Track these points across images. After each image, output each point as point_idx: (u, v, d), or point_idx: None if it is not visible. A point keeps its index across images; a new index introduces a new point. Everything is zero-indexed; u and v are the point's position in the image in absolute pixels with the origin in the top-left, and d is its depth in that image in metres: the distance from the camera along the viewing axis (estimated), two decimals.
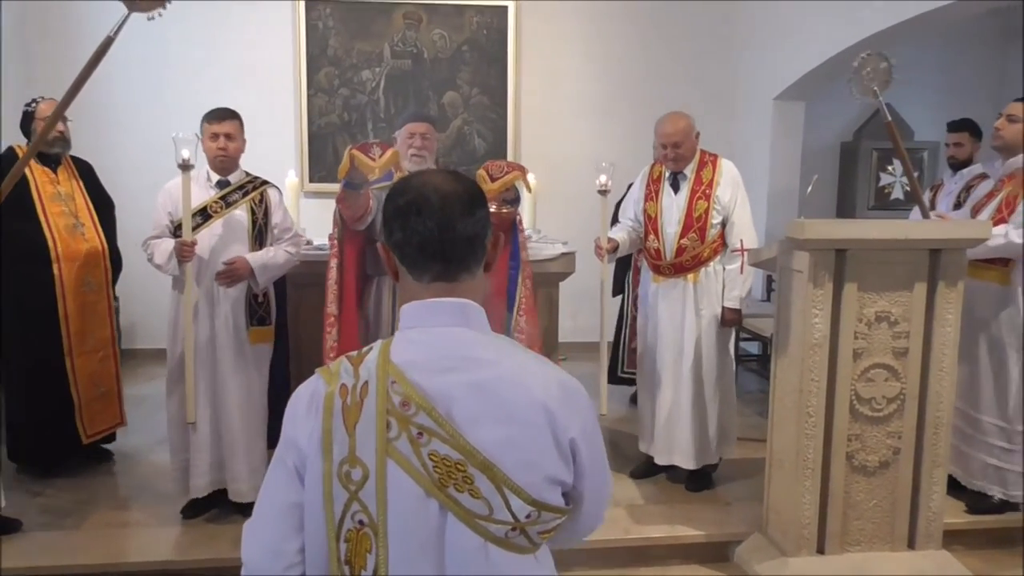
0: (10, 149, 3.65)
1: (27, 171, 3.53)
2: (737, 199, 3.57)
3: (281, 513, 1.25)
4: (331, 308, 3.18)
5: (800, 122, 5.93)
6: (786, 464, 3.09)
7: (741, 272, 3.55)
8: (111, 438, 3.96)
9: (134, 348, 5.98)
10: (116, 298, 5.54)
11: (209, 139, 3.26)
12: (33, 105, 3.62)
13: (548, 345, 4.07)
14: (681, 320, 3.65)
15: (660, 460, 3.73)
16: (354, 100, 6.06)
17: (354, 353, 1.30)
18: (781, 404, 3.14)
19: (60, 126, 3.58)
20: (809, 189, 3.80)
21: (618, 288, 5.00)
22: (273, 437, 3.52)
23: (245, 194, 3.33)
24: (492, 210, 3.37)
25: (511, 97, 6.17)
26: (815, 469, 3.01)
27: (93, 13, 5.51)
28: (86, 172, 3.82)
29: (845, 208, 6.52)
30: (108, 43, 3.02)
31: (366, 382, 1.22)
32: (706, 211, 3.56)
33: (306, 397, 1.26)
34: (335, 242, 3.24)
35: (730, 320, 3.63)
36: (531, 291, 3.41)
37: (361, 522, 1.19)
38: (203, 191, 3.29)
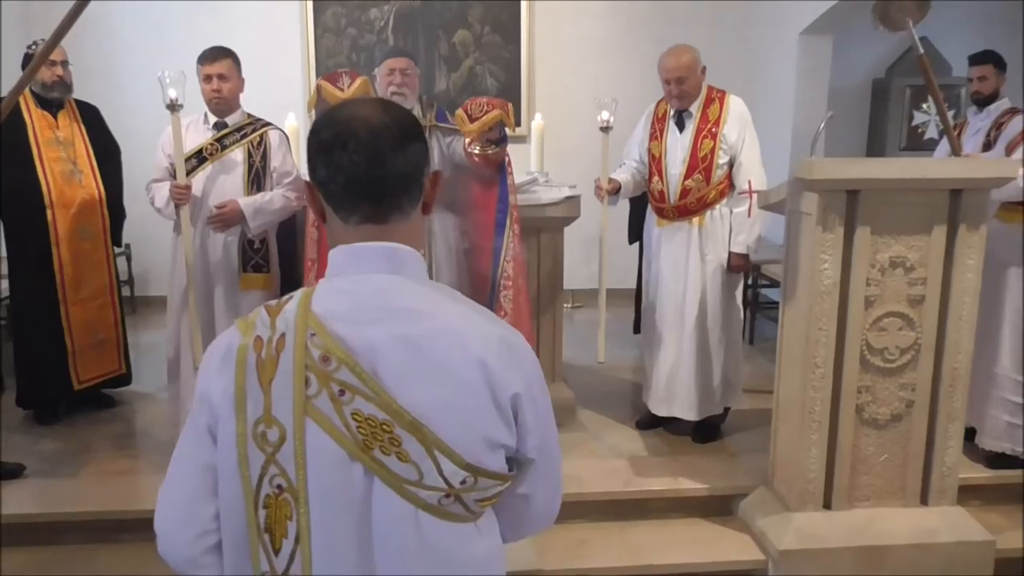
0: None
1: (25, 115, 3.47)
2: (745, 138, 3.37)
3: (193, 476, 1.16)
4: (309, 252, 3.08)
5: (828, 58, 5.62)
6: (792, 416, 2.96)
7: (749, 215, 3.37)
8: (122, 382, 3.93)
9: (147, 295, 5.97)
10: (127, 245, 5.56)
11: (203, 81, 3.16)
12: (33, 47, 3.52)
13: (552, 292, 3.95)
14: (685, 266, 3.49)
15: (659, 411, 3.62)
16: (362, 40, 5.88)
17: (273, 302, 1.19)
18: (788, 354, 3.00)
19: (59, 70, 3.49)
20: (821, 126, 3.59)
21: (637, 234, 4.82)
22: None
23: (243, 136, 3.23)
24: (476, 152, 3.24)
25: (524, 35, 5.94)
26: (822, 422, 2.88)
27: None
28: (91, 117, 3.73)
29: (875, 148, 6.24)
30: (81, 7, 2.88)
31: (283, 334, 1.12)
32: (712, 150, 3.38)
33: (221, 350, 1.16)
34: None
35: (736, 266, 3.46)
36: (519, 237, 3.27)
37: (280, 487, 1.10)
38: (200, 133, 3.21)
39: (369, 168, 1.13)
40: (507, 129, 3.15)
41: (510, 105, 3.15)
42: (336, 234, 1.19)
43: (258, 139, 3.23)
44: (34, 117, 3.48)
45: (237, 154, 3.20)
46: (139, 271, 5.92)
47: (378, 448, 1.07)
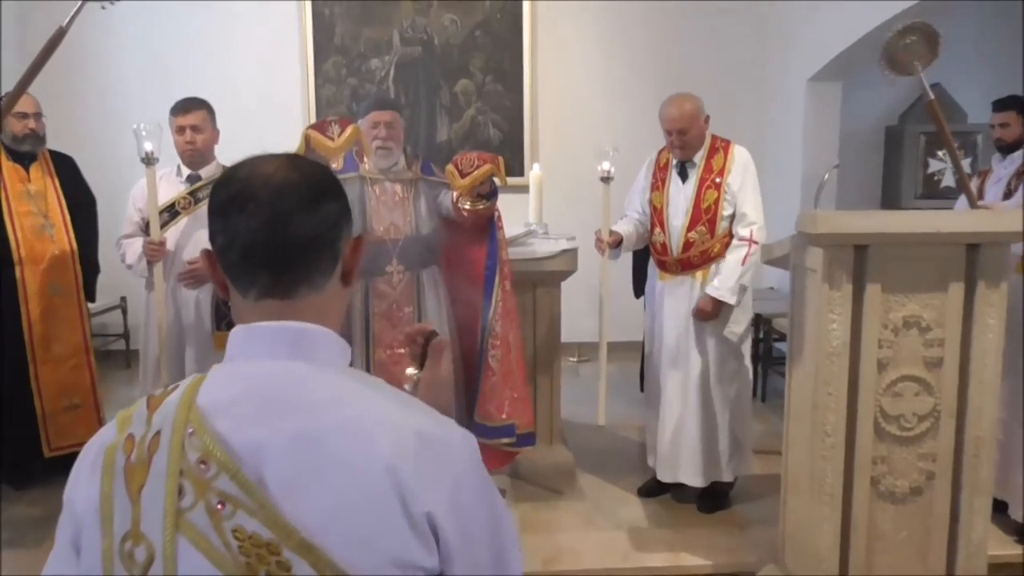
0: None
1: None
2: (746, 185, 3.19)
3: None
4: None
5: (837, 105, 5.47)
6: (802, 488, 2.73)
7: (743, 264, 3.17)
8: None
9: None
10: (122, 298, 5.45)
11: (176, 132, 3.05)
12: (3, 98, 3.44)
13: (549, 350, 3.76)
14: (687, 322, 3.30)
15: (664, 477, 3.39)
16: (363, 90, 5.80)
17: (159, 390, 1.01)
18: (796, 420, 2.78)
19: (32, 122, 3.40)
20: (825, 177, 3.41)
21: (642, 288, 4.63)
22: None
23: None
24: (466, 207, 3.09)
25: (527, 84, 5.85)
26: (834, 495, 2.64)
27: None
28: (65, 168, 3.62)
29: (890, 197, 6.04)
30: (60, 35, 2.81)
31: (159, 432, 0.94)
32: (716, 201, 3.21)
33: (93, 449, 0.98)
34: None
35: (702, 311, 3.23)
36: (510, 293, 3.11)
37: None
38: (173, 186, 3.10)
39: (269, 234, 0.96)
40: (498, 183, 3.01)
41: (501, 159, 3.02)
42: (238, 310, 1.02)
43: None
44: (4, 170, 3.38)
45: None
46: (135, 323, 5.80)
47: (264, 573, 0.88)
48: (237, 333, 1.00)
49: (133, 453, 0.93)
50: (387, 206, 3.09)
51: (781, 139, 5.66)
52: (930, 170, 5.97)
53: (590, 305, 5.48)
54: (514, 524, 1.19)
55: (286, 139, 5.71)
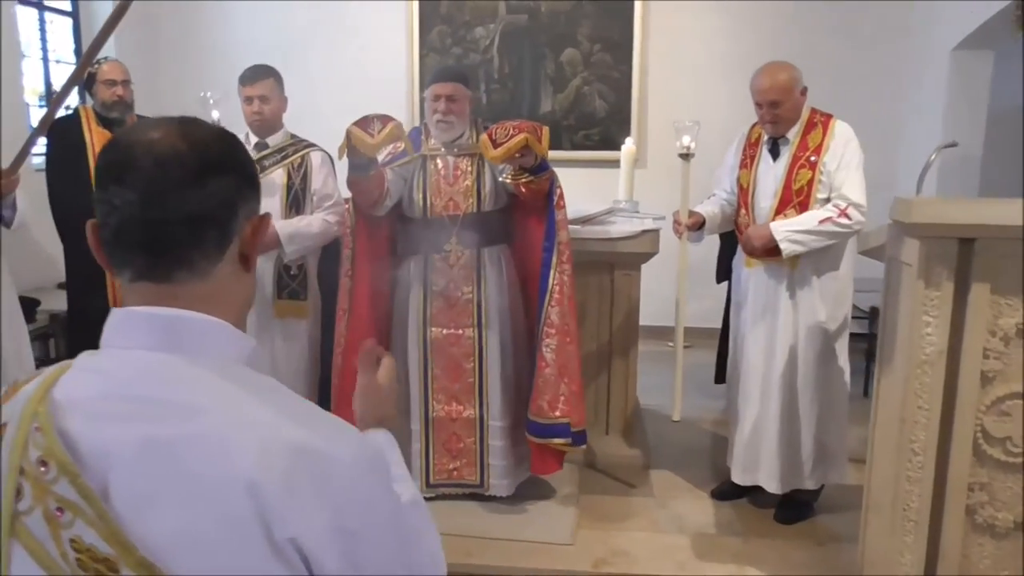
0: (76, 111, 3.62)
1: (86, 134, 3.48)
2: (846, 164, 2.83)
3: None
4: (341, 300, 2.89)
5: (986, 77, 4.86)
6: (883, 510, 2.42)
7: (819, 223, 2.81)
8: None
9: None
10: None
11: (244, 102, 3.05)
12: (96, 66, 3.55)
13: (625, 337, 3.55)
14: (774, 314, 3.00)
15: (738, 479, 3.13)
16: (467, 60, 5.70)
17: (23, 378, 0.93)
18: (882, 434, 2.47)
19: (120, 89, 3.49)
20: (932, 156, 2.98)
21: (726, 273, 4.33)
22: None
23: (284, 157, 3.09)
24: (507, 179, 2.92)
25: (636, 53, 5.56)
26: (919, 522, 2.31)
27: None
28: None
29: None
30: (126, 6, 2.82)
31: (5, 425, 0.85)
32: (809, 182, 2.87)
33: None
34: (347, 231, 2.93)
35: (748, 238, 2.94)
36: (570, 278, 2.92)
37: None
38: None
39: (143, 209, 0.86)
40: (541, 156, 2.82)
41: (544, 129, 2.82)
42: (122, 292, 0.93)
43: (299, 160, 3.09)
44: (94, 136, 3.48)
45: (277, 175, 3.07)
46: None
47: None
48: (112, 317, 0.91)
49: None
50: (448, 181, 2.97)
51: (922, 115, 5.11)
52: None
53: (694, 286, 5.21)
54: (433, 541, 1.05)
55: (390, 109, 5.77)
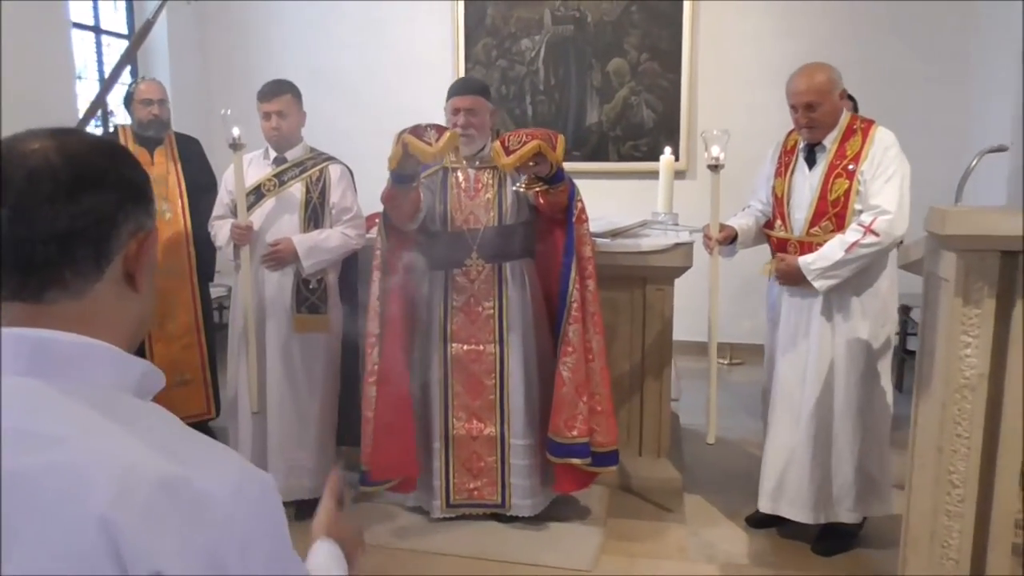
0: (113, 130, 3.71)
1: None
2: (884, 171, 2.65)
3: None
4: (371, 326, 2.85)
5: None
6: (921, 547, 2.23)
7: (846, 251, 2.64)
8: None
9: None
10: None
11: (263, 118, 3.06)
12: (133, 85, 3.64)
13: (659, 354, 3.42)
14: (807, 335, 2.83)
15: (764, 507, 2.95)
16: (512, 72, 5.66)
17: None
18: (920, 464, 2.27)
19: (155, 108, 3.56)
20: (974, 163, 2.76)
21: None
22: (341, 438, 3.28)
23: (303, 171, 3.09)
24: (521, 188, 2.83)
25: (686, 61, 5.41)
26: (960, 561, 2.12)
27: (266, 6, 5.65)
28: (189, 151, 3.76)
29: None
30: (148, 27, 2.88)
31: None
32: (846, 192, 2.70)
33: None
34: (377, 254, 2.89)
35: (779, 270, 2.83)
36: (594, 295, 2.83)
37: None
38: (260, 168, 3.12)
39: (12, 225, 0.81)
40: (557, 165, 2.73)
41: (560, 137, 2.73)
42: None
43: (317, 174, 3.07)
44: None
45: (296, 189, 3.06)
46: None
47: None
48: None
49: None
50: (468, 195, 2.91)
51: (986, 121, 4.81)
52: None
53: (747, 301, 5.01)
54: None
55: (439, 122, 5.80)
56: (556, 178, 2.74)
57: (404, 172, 2.69)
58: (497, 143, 2.69)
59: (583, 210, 2.89)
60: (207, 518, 0.76)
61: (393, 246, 2.94)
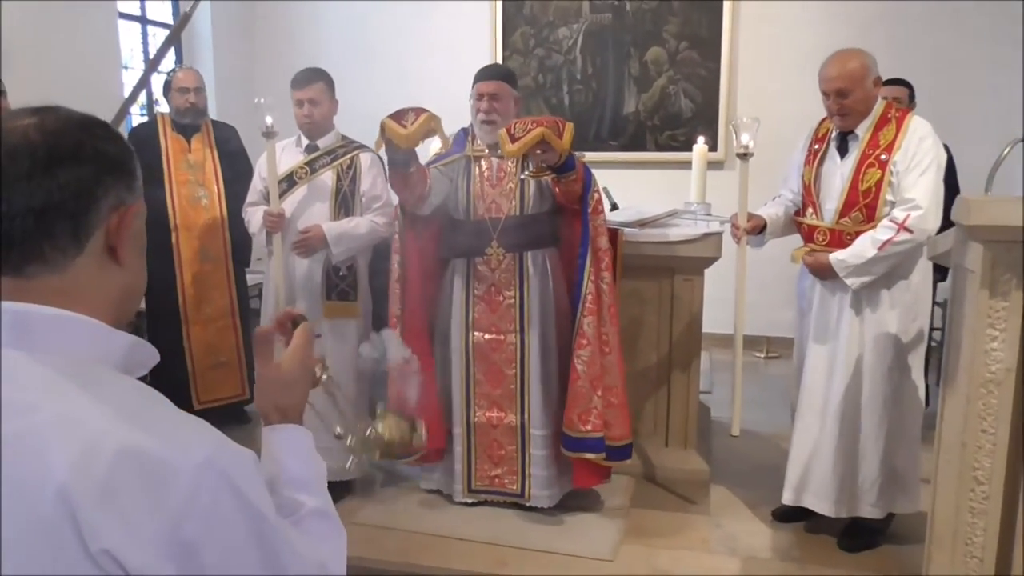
0: (153, 118, 3.81)
1: (161, 139, 3.65)
2: (918, 162, 2.58)
3: None
4: (393, 308, 2.89)
5: None
6: (946, 544, 2.18)
7: (879, 248, 2.59)
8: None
9: None
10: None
11: (295, 105, 3.11)
12: (171, 74, 3.72)
13: (687, 346, 3.39)
14: (838, 326, 2.78)
15: (787, 499, 2.90)
16: (550, 60, 5.64)
17: None
18: (945, 458, 2.22)
19: (192, 97, 3.64)
20: (1006, 151, 2.66)
21: None
22: None
23: (334, 159, 3.13)
24: (528, 176, 2.80)
25: (725, 50, 5.33)
26: (985, 560, 2.07)
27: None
28: (226, 139, 3.83)
29: None
30: (185, 19, 2.95)
31: None
32: (878, 183, 2.64)
33: None
34: (396, 236, 2.93)
35: (808, 261, 2.81)
36: (610, 287, 2.81)
37: None
38: (292, 156, 3.17)
39: None
40: (565, 153, 2.70)
41: (568, 124, 2.69)
42: None
43: (348, 162, 3.11)
44: (169, 141, 3.64)
45: (327, 177, 3.11)
46: None
47: None
48: None
49: None
50: (491, 183, 2.92)
51: None
52: None
53: (783, 293, 4.93)
54: (331, 551, 0.99)
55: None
56: (566, 167, 2.72)
57: (392, 156, 2.69)
58: (503, 131, 2.67)
59: (600, 201, 2.88)
60: (170, 488, 0.77)
61: (411, 230, 2.96)
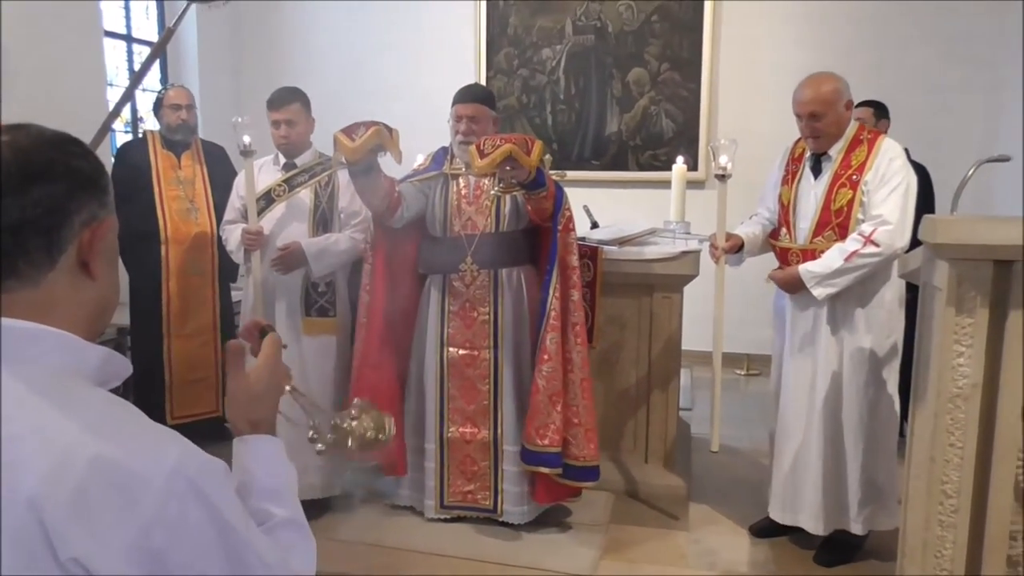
0: (143, 136, 3.83)
1: (151, 155, 3.68)
2: (887, 182, 2.65)
3: None
4: (360, 315, 2.95)
5: None
6: (917, 558, 2.21)
7: (846, 259, 2.64)
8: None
9: None
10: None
11: (272, 125, 3.15)
12: (162, 91, 3.75)
13: (665, 364, 3.42)
14: (815, 343, 2.82)
15: (777, 517, 2.94)
16: (533, 81, 5.71)
17: None
18: (915, 473, 2.26)
19: (183, 114, 3.67)
20: (970, 172, 2.72)
21: None
22: None
23: (312, 176, 3.16)
24: (498, 192, 2.84)
25: (706, 72, 5.42)
26: (954, 572, 2.10)
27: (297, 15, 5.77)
28: (215, 157, 3.87)
29: None
30: (169, 34, 2.99)
31: None
32: (850, 202, 2.70)
33: None
34: (366, 247, 2.98)
35: (777, 276, 2.87)
36: (577, 304, 2.87)
37: None
38: (270, 174, 3.20)
39: None
40: (533, 169, 2.73)
41: (538, 143, 2.73)
42: None
43: (326, 179, 3.14)
44: (159, 157, 3.67)
45: (305, 195, 3.15)
46: None
47: None
48: None
49: None
50: (467, 201, 2.97)
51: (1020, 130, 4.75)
52: None
53: (766, 312, 4.98)
54: (302, 561, 1.01)
55: None
56: (536, 183, 2.76)
57: (351, 168, 2.72)
58: (473, 147, 2.71)
59: (570, 219, 2.93)
60: (138, 498, 0.79)
61: (380, 241, 3.00)
